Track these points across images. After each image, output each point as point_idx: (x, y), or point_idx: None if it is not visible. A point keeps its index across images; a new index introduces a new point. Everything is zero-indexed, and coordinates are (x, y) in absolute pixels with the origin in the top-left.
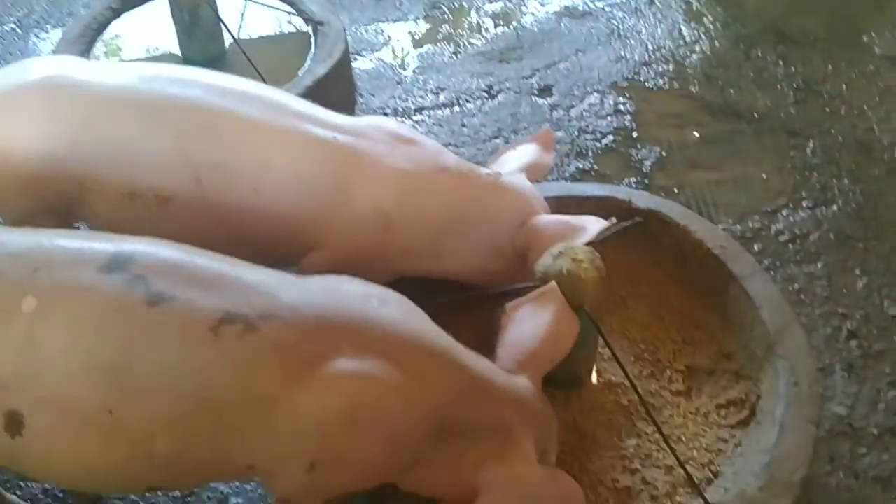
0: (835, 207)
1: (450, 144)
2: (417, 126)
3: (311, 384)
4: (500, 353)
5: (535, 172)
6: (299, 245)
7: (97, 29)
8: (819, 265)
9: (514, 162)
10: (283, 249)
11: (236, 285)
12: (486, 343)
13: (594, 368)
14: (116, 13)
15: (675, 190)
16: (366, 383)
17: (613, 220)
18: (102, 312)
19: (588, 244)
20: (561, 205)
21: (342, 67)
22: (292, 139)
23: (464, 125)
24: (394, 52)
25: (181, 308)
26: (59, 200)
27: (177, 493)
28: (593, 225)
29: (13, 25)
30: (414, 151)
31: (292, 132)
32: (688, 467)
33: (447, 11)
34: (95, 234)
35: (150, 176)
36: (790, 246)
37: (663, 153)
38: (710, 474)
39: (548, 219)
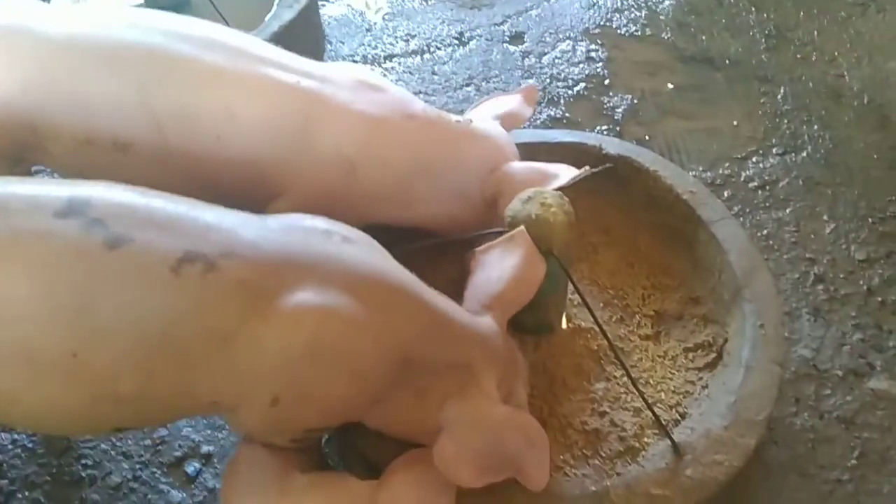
0: (804, 154)
1: (420, 92)
2: (387, 74)
3: (274, 320)
4: (467, 295)
5: (510, 122)
6: (264, 192)
7: None
8: (787, 211)
9: (489, 110)
10: (248, 197)
11: (195, 225)
12: (457, 290)
13: (564, 314)
14: None
15: (647, 138)
16: (328, 318)
17: (586, 167)
18: (61, 258)
19: (558, 189)
20: (531, 151)
21: (310, 13)
22: (255, 84)
23: (434, 73)
24: None
25: (140, 249)
26: (14, 146)
27: (147, 442)
28: (564, 172)
29: None
30: (380, 98)
31: (255, 77)
32: (655, 409)
33: None
34: (50, 180)
35: (108, 122)
36: (759, 192)
37: (635, 101)
38: (678, 416)
39: (518, 166)
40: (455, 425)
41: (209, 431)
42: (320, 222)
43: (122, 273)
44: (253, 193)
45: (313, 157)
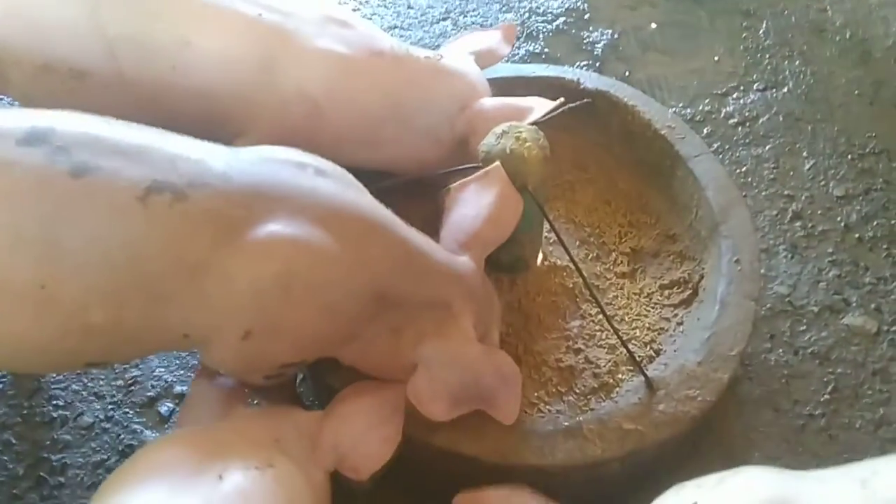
0: (785, 90)
1: (395, 27)
2: (361, 7)
3: (245, 250)
4: (444, 234)
5: (487, 59)
6: (226, 129)
7: None
8: (767, 148)
9: (466, 47)
10: (211, 133)
11: (163, 154)
12: (432, 229)
13: (540, 252)
14: None
15: (627, 73)
16: (299, 249)
17: (562, 99)
18: (26, 187)
19: (533, 124)
20: (508, 86)
21: None
22: (213, 14)
23: (410, 7)
24: None
25: (106, 178)
26: None
27: (120, 383)
28: (539, 105)
29: None
30: (346, 34)
31: (213, 6)
32: (630, 346)
33: None
34: (11, 109)
35: (64, 48)
36: (739, 129)
37: (616, 36)
38: (652, 352)
39: (490, 102)
40: (431, 363)
41: (182, 371)
42: (294, 154)
43: (89, 202)
44: (215, 130)
45: (275, 95)
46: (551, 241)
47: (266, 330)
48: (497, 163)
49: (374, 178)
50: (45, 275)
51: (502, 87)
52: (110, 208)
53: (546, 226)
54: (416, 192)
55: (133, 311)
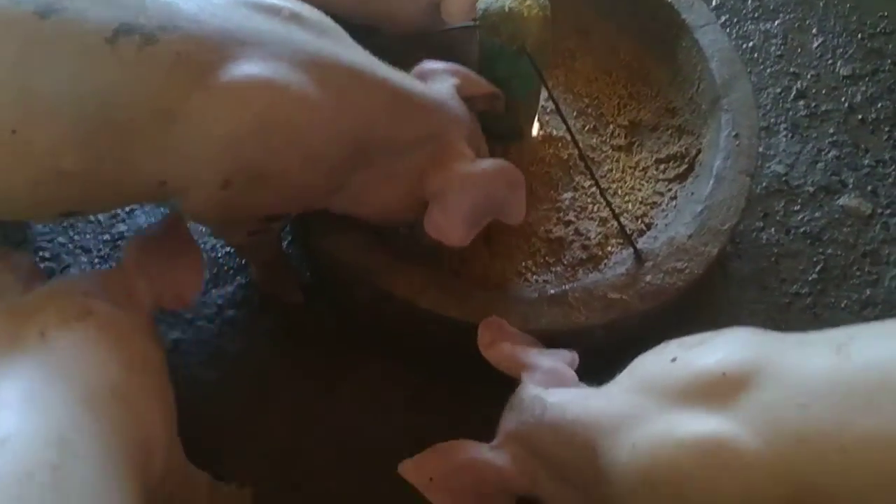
0: None
1: None
2: None
3: (220, 96)
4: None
5: None
6: None
7: None
8: (776, 23)
9: None
10: None
11: None
12: None
13: (536, 121)
14: None
15: None
16: (279, 94)
17: None
18: None
19: None
20: None
21: None
22: None
23: None
24: None
25: (73, 19)
26: None
27: (106, 237)
28: None
29: None
30: None
31: None
32: (622, 219)
33: None
34: None
35: None
36: (749, 2)
37: None
38: (643, 226)
39: None
40: (443, 194)
41: None
42: None
43: (57, 44)
44: None
45: None
46: (548, 110)
47: (246, 178)
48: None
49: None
50: (15, 119)
51: None
52: (78, 50)
53: (543, 94)
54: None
55: (106, 157)
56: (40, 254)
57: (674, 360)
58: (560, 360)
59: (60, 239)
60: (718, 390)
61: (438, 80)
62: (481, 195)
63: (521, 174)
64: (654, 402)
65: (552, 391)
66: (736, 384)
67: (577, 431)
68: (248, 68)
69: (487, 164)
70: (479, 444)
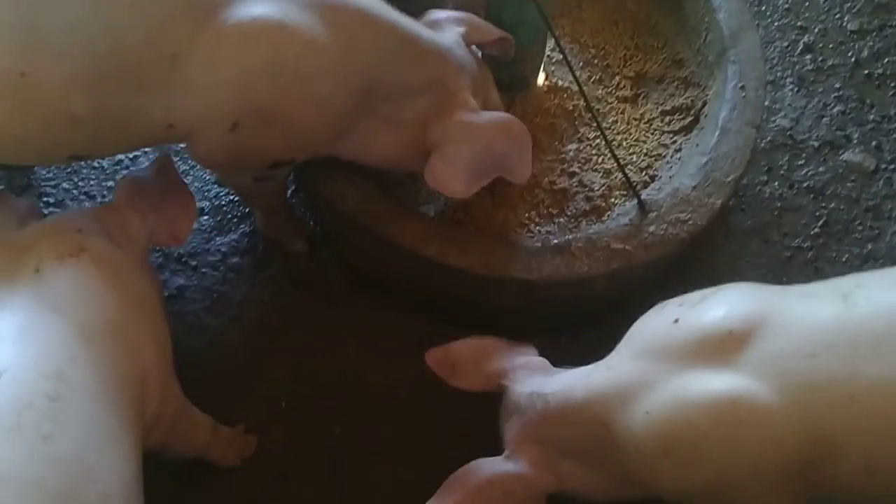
0: None
1: None
2: None
3: (229, 37)
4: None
5: None
6: None
7: None
8: None
9: None
10: None
11: None
12: None
13: (541, 71)
14: None
15: None
16: (289, 36)
17: None
18: None
19: None
20: None
21: None
22: None
23: None
24: None
25: None
26: None
27: (110, 184)
28: None
29: None
30: None
31: None
32: (626, 171)
33: None
34: None
35: None
36: None
37: None
38: (648, 178)
39: None
40: (444, 144)
41: None
42: None
43: None
44: None
45: None
46: (553, 60)
47: (254, 121)
48: None
49: None
50: (24, 62)
51: None
52: None
53: (549, 44)
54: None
55: (115, 99)
56: (44, 199)
57: (676, 321)
58: (525, 353)
59: (65, 185)
60: (727, 347)
61: (446, 29)
62: (482, 147)
63: (527, 131)
64: (662, 367)
65: (546, 382)
66: (743, 338)
67: (586, 411)
68: (256, 9)
69: (490, 115)
70: (493, 459)
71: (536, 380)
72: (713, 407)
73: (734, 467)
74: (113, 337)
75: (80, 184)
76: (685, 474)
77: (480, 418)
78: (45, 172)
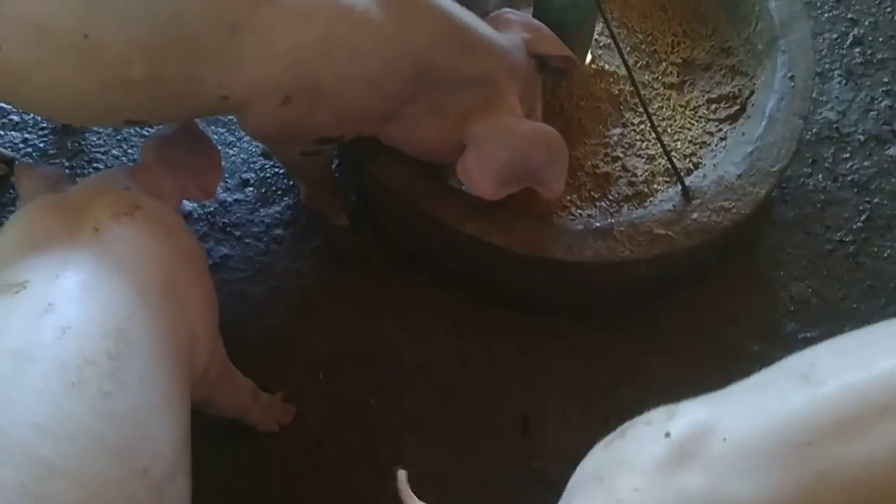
0: None
1: None
2: None
3: (286, 13)
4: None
5: None
6: None
7: None
8: None
9: None
10: None
11: None
12: None
13: (588, 54)
14: None
15: None
16: (343, 15)
17: None
18: None
19: None
20: None
21: None
22: None
23: None
24: None
25: None
26: None
27: None
28: None
29: None
30: None
31: None
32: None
33: None
34: None
35: None
36: None
37: None
38: (691, 165)
39: None
40: (480, 141)
41: (220, 147)
42: None
43: None
44: None
45: None
46: (601, 44)
47: (306, 97)
48: None
49: None
50: (88, 24)
51: None
52: None
53: (597, 28)
54: None
55: (173, 68)
56: (94, 164)
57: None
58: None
59: (114, 151)
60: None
61: (511, 31)
62: (519, 153)
63: (566, 148)
64: None
65: None
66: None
67: None
68: None
69: (534, 125)
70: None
71: None
72: None
73: None
74: (166, 293)
75: (129, 151)
76: None
77: (514, 394)
78: (95, 139)
